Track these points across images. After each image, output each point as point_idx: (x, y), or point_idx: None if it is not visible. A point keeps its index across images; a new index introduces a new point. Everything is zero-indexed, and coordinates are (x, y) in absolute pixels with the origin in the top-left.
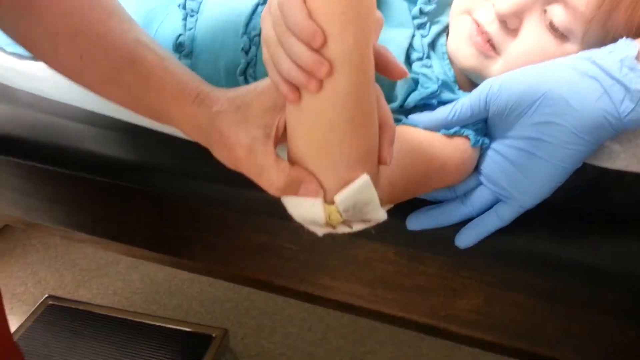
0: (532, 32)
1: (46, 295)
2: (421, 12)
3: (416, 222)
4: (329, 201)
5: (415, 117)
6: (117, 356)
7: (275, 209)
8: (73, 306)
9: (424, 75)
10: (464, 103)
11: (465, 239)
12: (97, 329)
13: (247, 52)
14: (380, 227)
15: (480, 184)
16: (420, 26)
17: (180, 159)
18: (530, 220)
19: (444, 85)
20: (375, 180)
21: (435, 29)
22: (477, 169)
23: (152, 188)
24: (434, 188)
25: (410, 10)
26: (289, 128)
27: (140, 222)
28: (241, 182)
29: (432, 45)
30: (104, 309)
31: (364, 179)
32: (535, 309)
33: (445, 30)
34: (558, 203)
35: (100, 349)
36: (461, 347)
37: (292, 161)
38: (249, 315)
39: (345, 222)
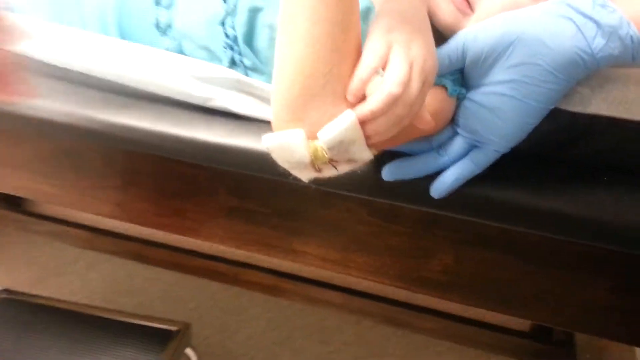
0: None
1: (0, 289)
2: None
3: (392, 172)
4: (312, 138)
5: None
6: (72, 350)
7: (249, 164)
8: (28, 300)
9: None
10: (440, 52)
11: (440, 187)
12: (52, 323)
13: (225, 1)
14: (355, 182)
15: (456, 134)
16: None
17: (150, 111)
18: (506, 170)
19: None
20: None
21: None
22: (452, 120)
23: (117, 143)
24: (413, 136)
25: None
26: (277, 61)
27: (106, 185)
28: (215, 142)
29: None
30: (60, 302)
31: (350, 114)
32: (507, 267)
33: None
34: (533, 151)
35: (55, 343)
36: (426, 346)
37: (273, 94)
38: (212, 314)
39: (331, 162)
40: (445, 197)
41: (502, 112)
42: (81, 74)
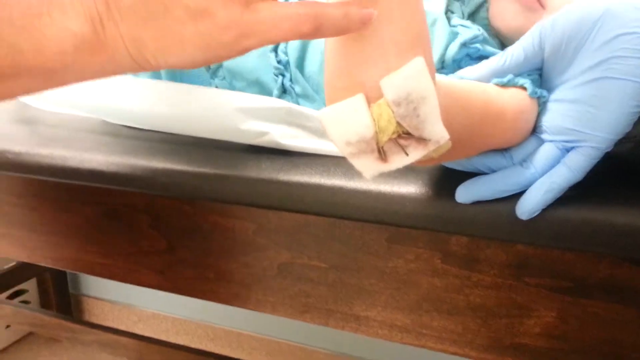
0: None
1: None
2: None
3: (468, 192)
4: (374, 98)
5: (462, 71)
6: None
7: (305, 202)
8: None
9: (463, 26)
10: (515, 47)
11: (528, 203)
12: None
13: None
14: (425, 211)
15: (542, 144)
16: None
17: (197, 154)
18: (613, 186)
19: (486, 41)
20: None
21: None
22: (535, 129)
23: (162, 191)
24: (492, 142)
25: None
26: None
27: (151, 250)
28: (268, 178)
29: (473, 17)
30: None
31: (418, 60)
32: (622, 319)
33: (484, 3)
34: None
35: None
36: None
37: (326, 62)
38: None
39: (400, 138)
40: (536, 225)
41: (600, 100)
42: (122, 126)
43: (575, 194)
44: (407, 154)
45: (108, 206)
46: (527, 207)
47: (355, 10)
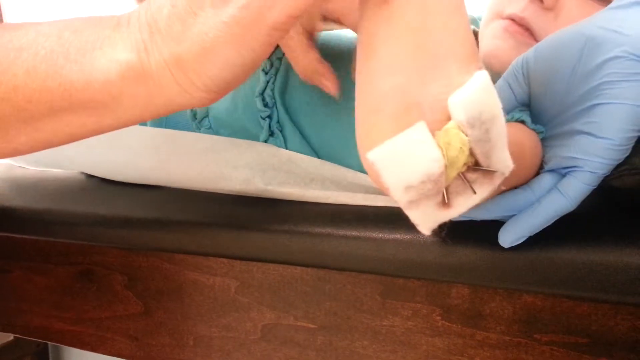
0: (572, 5)
1: None
2: None
3: (510, 232)
4: (437, 122)
5: None
6: None
7: (293, 254)
8: None
9: None
10: (500, 83)
11: (510, 229)
12: None
13: (266, 72)
14: (417, 262)
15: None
16: None
17: (159, 206)
18: (628, 225)
19: None
20: None
21: None
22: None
23: (121, 245)
24: (514, 180)
25: None
26: (368, 34)
27: (125, 314)
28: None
29: None
30: None
31: (483, 74)
32: None
33: None
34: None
35: None
36: None
37: (366, 86)
38: None
39: (469, 172)
40: (543, 269)
41: (595, 126)
42: (101, 180)
43: (588, 234)
44: (474, 192)
45: (82, 266)
46: (508, 234)
47: None
